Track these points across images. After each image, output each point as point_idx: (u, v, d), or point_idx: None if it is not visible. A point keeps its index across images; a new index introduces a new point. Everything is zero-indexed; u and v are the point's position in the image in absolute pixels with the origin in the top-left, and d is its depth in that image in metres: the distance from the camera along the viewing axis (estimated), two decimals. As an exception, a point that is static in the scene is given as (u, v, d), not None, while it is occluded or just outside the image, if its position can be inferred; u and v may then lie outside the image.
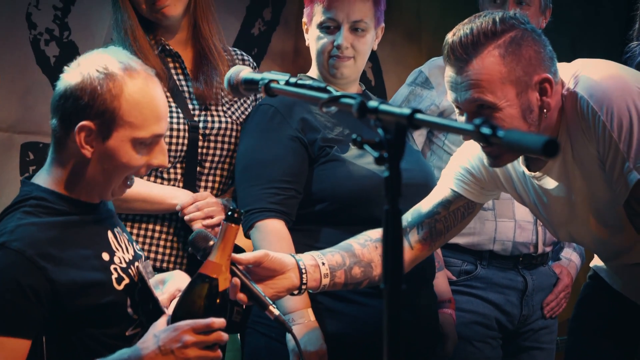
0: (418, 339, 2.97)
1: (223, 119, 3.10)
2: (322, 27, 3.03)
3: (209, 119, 3.07)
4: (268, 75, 2.23)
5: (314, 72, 3.11)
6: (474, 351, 3.38)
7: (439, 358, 3.28)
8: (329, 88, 2.07)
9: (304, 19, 3.10)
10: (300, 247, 2.84)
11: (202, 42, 3.13)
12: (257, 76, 2.25)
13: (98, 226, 2.41)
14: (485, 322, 3.40)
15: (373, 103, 1.83)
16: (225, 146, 3.10)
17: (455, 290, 3.34)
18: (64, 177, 2.33)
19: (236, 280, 2.30)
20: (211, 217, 2.96)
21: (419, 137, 3.51)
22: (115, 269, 2.34)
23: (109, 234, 2.41)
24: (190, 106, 3.07)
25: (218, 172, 3.12)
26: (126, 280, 2.34)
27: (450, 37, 2.48)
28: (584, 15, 5.81)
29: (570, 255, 3.72)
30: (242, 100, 3.18)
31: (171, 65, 3.09)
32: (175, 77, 3.10)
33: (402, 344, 1.69)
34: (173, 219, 3.02)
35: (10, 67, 3.05)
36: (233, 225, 2.17)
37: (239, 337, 3.23)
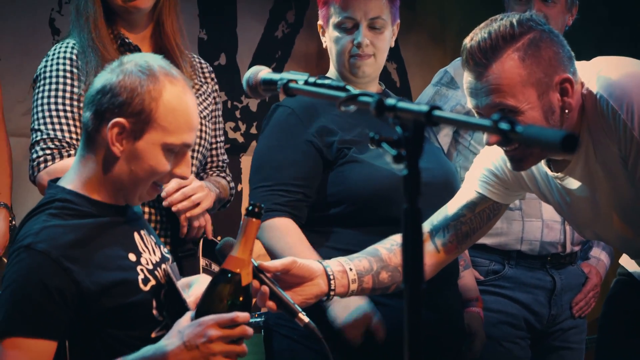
0: (442, 338, 2.96)
1: None
2: (340, 27, 3.05)
3: None
4: (287, 75, 2.21)
5: (332, 73, 3.13)
6: (503, 351, 3.37)
7: (466, 358, 3.29)
8: (347, 87, 2.06)
9: (319, 22, 3.12)
10: (320, 249, 2.88)
11: (164, 39, 3.13)
12: (275, 76, 2.24)
13: (124, 228, 2.41)
14: (514, 322, 3.39)
15: (391, 100, 1.82)
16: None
17: (483, 290, 3.34)
18: (90, 177, 2.34)
19: (265, 288, 2.30)
20: (198, 204, 2.96)
21: (444, 138, 3.50)
22: (142, 270, 2.35)
23: (136, 235, 2.41)
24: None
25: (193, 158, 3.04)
26: (152, 282, 2.35)
27: (468, 42, 2.48)
28: (610, 14, 5.75)
29: (599, 255, 3.69)
30: (201, 91, 3.21)
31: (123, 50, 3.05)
32: None
33: (422, 344, 1.68)
34: (156, 206, 3.03)
35: (32, 74, 3.05)
36: (254, 219, 2.16)
37: (262, 339, 3.24)
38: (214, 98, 3.22)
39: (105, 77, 2.24)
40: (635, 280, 2.87)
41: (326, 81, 2.13)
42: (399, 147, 1.73)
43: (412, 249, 1.70)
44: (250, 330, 2.16)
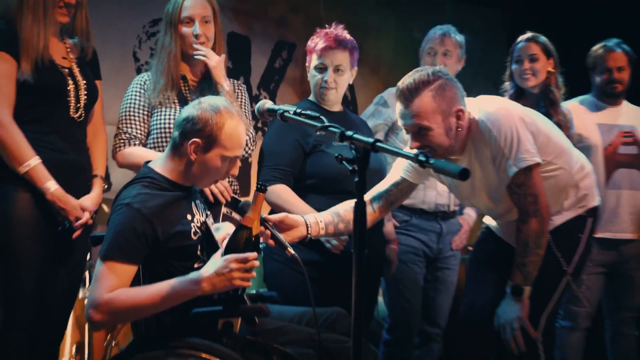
0: (372, 265, 3.11)
1: None
2: (316, 68, 3.16)
3: None
4: (282, 107, 2.42)
5: (312, 96, 3.27)
6: (408, 269, 3.53)
7: (387, 275, 3.47)
8: (321, 117, 2.24)
9: (307, 63, 3.25)
10: None
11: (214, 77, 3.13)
12: (275, 107, 2.45)
13: (186, 199, 2.49)
14: (416, 252, 3.58)
15: (349, 132, 2.03)
16: None
17: (398, 232, 3.51)
18: (172, 168, 2.44)
19: (267, 232, 2.42)
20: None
21: (378, 135, 3.60)
22: (194, 226, 2.43)
23: (192, 204, 2.51)
24: None
25: None
26: (199, 234, 2.43)
27: (400, 84, 2.62)
28: (481, 58, 5.85)
29: (469, 212, 3.82)
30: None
31: (182, 83, 3.12)
32: (184, 89, 3.11)
33: (365, 271, 1.95)
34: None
35: (124, 90, 3.17)
36: (261, 194, 2.27)
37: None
38: (242, 106, 3.22)
39: (189, 111, 2.40)
40: (492, 231, 3.00)
41: (308, 111, 2.32)
42: (353, 164, 1.97)
43: (360, 226, 1.93)
44: (256, 263, 2.23)
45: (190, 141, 2.37)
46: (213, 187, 2.96)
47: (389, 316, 3.56)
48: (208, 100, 2.45)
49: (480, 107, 2.69)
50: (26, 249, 2.67)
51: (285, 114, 2.34)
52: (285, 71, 5.29)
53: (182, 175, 2.45)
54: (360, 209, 1.92)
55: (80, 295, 3.48)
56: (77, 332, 3.57)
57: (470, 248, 3.81)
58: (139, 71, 4.64)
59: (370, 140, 1.94)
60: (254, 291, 2.90)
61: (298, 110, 2.32)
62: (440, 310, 3.63)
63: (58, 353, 2.99)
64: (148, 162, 2.52)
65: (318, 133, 2.18)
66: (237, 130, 2.43)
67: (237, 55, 5.11)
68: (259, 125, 5.24)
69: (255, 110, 2.53)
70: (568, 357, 3.81)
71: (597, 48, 3.83)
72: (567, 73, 3.65)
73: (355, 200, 1.94)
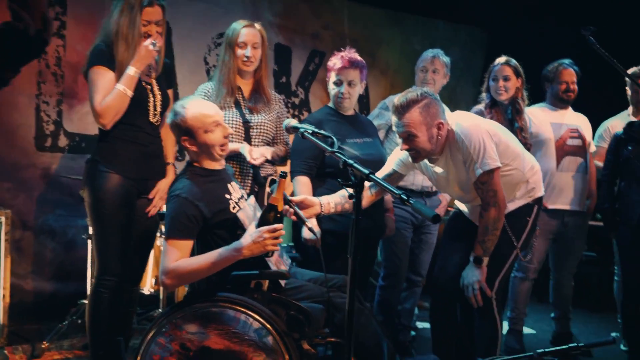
0: (371, 231, 3.08)
1: (260, 118, 3.05)
2: (334, 83, 3.11)
3: (254, 118, 3.04)
4: (304, 126, 2.37)
5: (331, 103, 3.19)
6: (399, 234, 3.46)
7: (384, 240, 3.45)
8: (333, 139, 2.23)
9: (327, 78, 3.17)
10: (319, 189, 2.99)
11: (259, 86, 3.11)
12: (298, 125, 2.41)
13: (222, 181, 2.48)
14: (405, 221, 3.53)
15: (350, 161, 1.95)
16: (263, 132, 3.07)
17: (393, 206, 3.39)
18: (197, 160, 2.44)
19: (291, 210, 2.42)
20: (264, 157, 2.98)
21: (381, 133, 3.52)
22: (232, 202, 2.43)
23: (228, 185, 2.49)
24: (245, 112, 3.03)
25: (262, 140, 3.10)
26: (237, 208, 2.42)
27: (396, 101, 2.61)
28: (464, 65, 5.78)
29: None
30: (273, 108, 3.13)
31: (238, 92, 3.05)
32: (239, 96, 3.05)
33: (360, 240, 1.82)
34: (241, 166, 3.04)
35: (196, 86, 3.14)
36: (282, 179, 2.24)
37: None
38: (277, 113, 3.17)
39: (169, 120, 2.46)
40: (461, 212, 2.98)
41: (322, 131, 2.30)
42: (351, 187, 1.90)
43: (356, 239, 1.81)
44: (282, 233, 2.23)
45: (182, 141, 2.40)
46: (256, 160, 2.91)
47: (383, 268, 3.56)
48: (169, 111, 2.47)
49: (457, 121, 2.67)
50: (114, 215, 2.71)
51: (305, 133, 2.31)
52: (317, 73, 5.23)
53: (205, 161, 2.44)
54: (356, 224, 1.82)
55: (158, 242, 3.60)
56: (156, 269, 3.62)
57: (450, 208, 3.73)
58: (208, 73, 4.61)
59: (366, 171, 1.87)
60: (285, 244, 2.91)
61: (315, 130, 2.29)
62: (423, 264, 3.64)
63: (139, 290, 3.05)
64: (188, 161, 2.52)
65: (327, 154, 2.11)
66: (197, 110, 2.39)
67: (281, 61, 5.10)
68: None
69: (283, 126, 2.51)
70: (519, 300, 3.83)
71: (555, 65, 3.81)
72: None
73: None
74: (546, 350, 1.77)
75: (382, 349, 2.40)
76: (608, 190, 3.61)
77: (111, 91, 2.67)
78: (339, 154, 2.02)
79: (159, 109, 2.86)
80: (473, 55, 5.96)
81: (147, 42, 2.68)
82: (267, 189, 3.02)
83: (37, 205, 3.98)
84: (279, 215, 2.26)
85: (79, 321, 3.47)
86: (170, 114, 2.44)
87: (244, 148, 2.94)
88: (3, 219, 3.36)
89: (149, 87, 2.84)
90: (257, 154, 2.94)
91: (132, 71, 2.68)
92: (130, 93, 2.68)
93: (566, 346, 1.72)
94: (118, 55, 2.69)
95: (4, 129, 3.87)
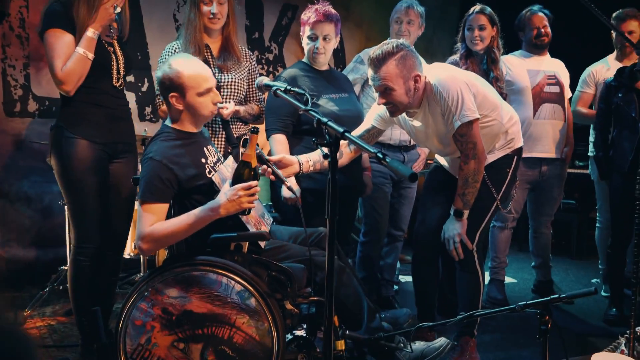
0: (350, 189, 3.06)
1: (230, 77, 2.97)
2: (308, 37, 3.04)
3: (224, 77, 2.96)
4: (276, 84, 2.28)
5: (305, 59, 3.13)
6: (378, 189, 3.42)
7: (364, 197, 3.41)
8: (306, 94, 2.15)
9: (301, 33, 3.10)
10: (297, 147, 2.96)
11: (228, 44, 3.01)
12: (270, 83, 2.32)
13: (198, 144, 2.42)
14: (384, 176, 3.46)
15: (324, 119, 1.85)
16: (234, 92, 2.99)
17: (371, 161, 3.36)
18: (177, 121, 2.38)
19: (269, 170, 2.37)
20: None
21: (356, 87, 3.48)
22: (207, 166, 2.38)
23: (204, 148, 2.44)
24: (215, 71, 2.94)
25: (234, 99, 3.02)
26: (212, 172, 2.37)
27: (371, 54, 2.56)
28: (440, 15, 5.68)
29: None
30: (243, 66, 3.04)
31: (206, 51, 2.97)
32: (207, 55, 2.97)
33: (337, 197, 1.74)
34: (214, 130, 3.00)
35: (167, 43, 3.04)
36: (254, 135, 2.19)
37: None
38: (249, 70, 3.08)
39: (157, 77, 2.36)
40: (441, 166, 2.99)
41: (295, 89, 2.21)
42: (326, 147, 1.81)
43: (332, 198, 1.73)
44: (258, 189, 2.20)
45: (169, 97, 2.32)
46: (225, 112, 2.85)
47: (364, 224, 3.51)
48: (163, 64, 2.38)
49: (434, 73, 2.62)
50: (85, 182, 2.62)
51: (278, 90, 2.23)
52: (290, 27, 5.10)
53: (185, 123, 2.38)
54: (332, 184, 1.75)
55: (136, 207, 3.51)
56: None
57: (430, 162, 3.71)
58: (177, 30, 4.45)
59: (340, 130, 1.80)
60: (264, 204, 2.87)
61: (288, 87, 2.22)
62: (403, 218, 3.62)
63: (121, 259, 2.95)
64: (164, 120, 2.45)
65: (301, 112, 2.05)
66: (195, 70, 2.33)
67: (253, 16, 4.98)
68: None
69: (255, 84, 2.44)
70: (499, 248, 3.85)
71: (525, 12, 3.80)
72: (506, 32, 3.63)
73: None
74: (528, 302, 1.78)
75: (363, 307, 2.41)
76: (601, 138, 3.58)
77: (71, 55, 2.55)
78: (312, 112, 1.95)
79: (122, 71, 2.73)
80: (449, 3, 5.85)
81: (109, 5, 2.57)
82: (242, 149, 2.91)
83: (10, 173, 3.91)
84: (252, 172, 2.21)
85: (60, 287, 3.46)
86: (163, 66, 2.34)
87: None
88: (-24, 188, 3.36)
89: (111, 48, 2.71)
90: (228, 108, 2.87)
91: (91, 32, 2.56)
92: (91, 56, 2.56)
93: (547, 298, 1.72)
94: (79, 17, 2.55)
95: (-30, 96, 3.81)
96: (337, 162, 1.78)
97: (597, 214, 4.05)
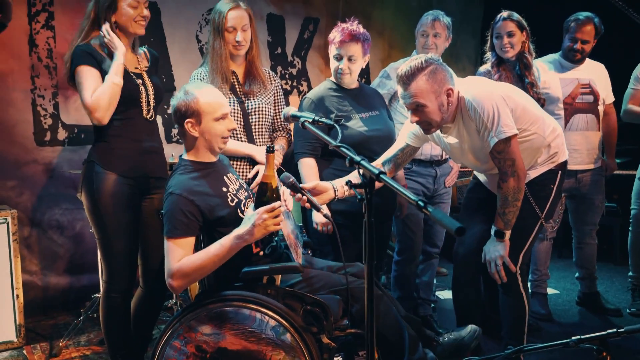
0: (384, 207, 2.97)
1: (257, 102, 2.91)
2: (334, 57, 2.95)
3: (251, 103, 2.90)
4: (304, 115, 2.21)
5: (332, 77, 3.02)
6: (412, 207, 3.25)
7: (398, 217, 3.31)
8: (336, 125, 2.09)
9: (329, 51, 3.00)
10: (326, 169, 2.88)
11: (252, 68, 2.94)
12: (297, 114, 2.25)
13: (217, 173, 2.35)
14: (416, 192, 3.35)
15: (357, 158, 1.72)
16: (262, 117, 2.93)
17: (407, 178, 3.27)
18: (193, 151, 2.32)
19: (304, 198, 2.23)
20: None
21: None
22: (229, 194, 2.31)
23: (224, 177, 2.37)
24: (242, 97, 2.88)
25: (264, 130, 2.96)
26: (235, 200, 2.31)
27: (400, 71, 2.45)
28: (462, 16, 5.55)
29: None
30: (269, 89, 2.99)
31: (232, 77, 2.90)
32: (234, 81, 2.90)
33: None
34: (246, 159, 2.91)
35: (190, 64, 3.00)
36: (271, 154, 2.11)
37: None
38: (274, 92, 3.01)
39: (172, 105, 2.31)
40: (479, 181, 2.90)
41: (324, 119, 2.15)
42: (360, 188, 1.66)
43: (369, 240, 1.62)
44: (283, 209, 2.14)
45: (185, 123, 2.27)
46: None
47: (397, 242, 3.37)
48: (178, 91, 2.34)
49: (468, 88, 2.51)
50: (116, 218, 2.54)
51: (306, 123, 2.16)
52: (312, 40, 4.99)
53: (201, 152, 2.32)
54: (369, 228, 1.62)
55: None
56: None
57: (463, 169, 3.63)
58: (201, 51, 4.47)
59: (376, 171, 1.65)
60: (300, 224, 2.80)
61: (316, 119, 2.14)
62: (438, 234, 3.48)
63: (165, 289, 2.69)
64: (181, 155, 2.39)
65: (331, 148, 1.94)
66: (211, 96, 2.29)
67: (275, 32, 4.89)
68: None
69: (282, 116, 2.35)
70: (540, 260, 3.72)
71: (573, 18, 3.57)
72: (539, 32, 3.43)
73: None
74: (582, 337, 1.64)
75: (404, 338, 2.29)
76: None
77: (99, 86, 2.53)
78: (344, 149, 1.81)
79: (152, 102, 2.67)
80: (471, 4, 5.74)
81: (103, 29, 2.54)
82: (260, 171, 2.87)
83: (42, 201, 3.90)
84: (274, 193, 2.13)
85: (94, 315, 3.43)
86: (179, 93, 2.30)
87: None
88: (9, 219, 3.28)
89: (139, 80, 2.65)
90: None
91: (116, 57, 2.51)
92: (118, 80, 2.50)
93: (604, 333, 1.59)
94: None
95: (2, 127, 3.76)
96: (372, 204, 1.64)
97: (633, 210, 3.76)
